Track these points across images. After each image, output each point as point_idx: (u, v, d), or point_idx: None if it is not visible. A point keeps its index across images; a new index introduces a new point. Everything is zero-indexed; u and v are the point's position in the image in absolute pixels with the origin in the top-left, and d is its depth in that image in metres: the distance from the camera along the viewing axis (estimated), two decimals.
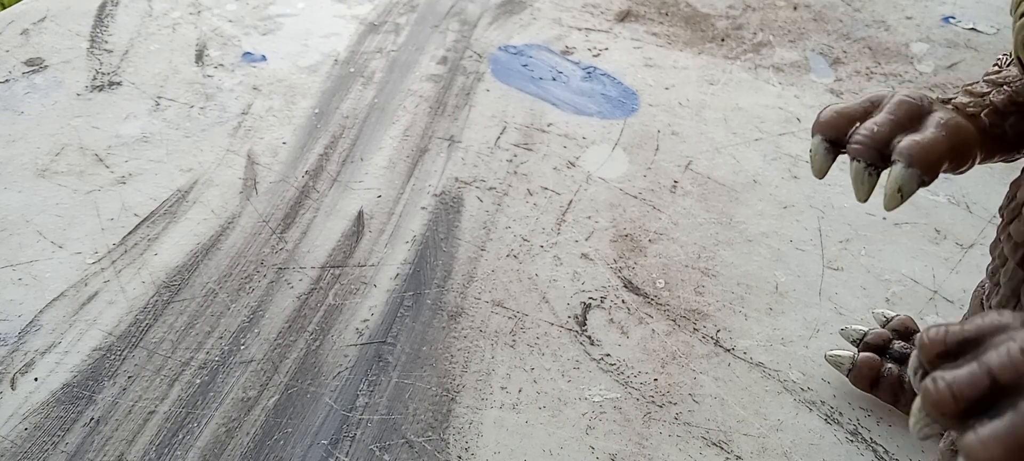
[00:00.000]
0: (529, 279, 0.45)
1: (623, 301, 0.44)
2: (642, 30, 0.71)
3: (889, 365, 0.37)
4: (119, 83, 0.60)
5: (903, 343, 0.38)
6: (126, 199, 0.49)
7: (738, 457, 0.36)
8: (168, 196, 0.50)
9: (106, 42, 0.65)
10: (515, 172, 0.53)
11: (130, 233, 0.47)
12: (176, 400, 0.38)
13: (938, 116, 0.21)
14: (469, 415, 0.37)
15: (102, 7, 0.69)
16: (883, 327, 0.39)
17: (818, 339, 0.42)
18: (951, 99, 0.23)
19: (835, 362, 0.39)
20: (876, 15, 0.75)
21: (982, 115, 0.23)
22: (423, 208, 0.50)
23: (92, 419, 0.37)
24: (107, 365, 0.39)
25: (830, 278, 0.46)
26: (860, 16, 0.74)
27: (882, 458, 0.36)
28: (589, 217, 0.50)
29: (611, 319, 0.43)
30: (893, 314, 0.40)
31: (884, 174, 0.22)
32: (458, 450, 0.36)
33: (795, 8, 0.76)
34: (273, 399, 0.38)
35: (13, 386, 0.38)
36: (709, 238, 0.48)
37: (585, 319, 0.43)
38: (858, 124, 0.21)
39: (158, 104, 0.58)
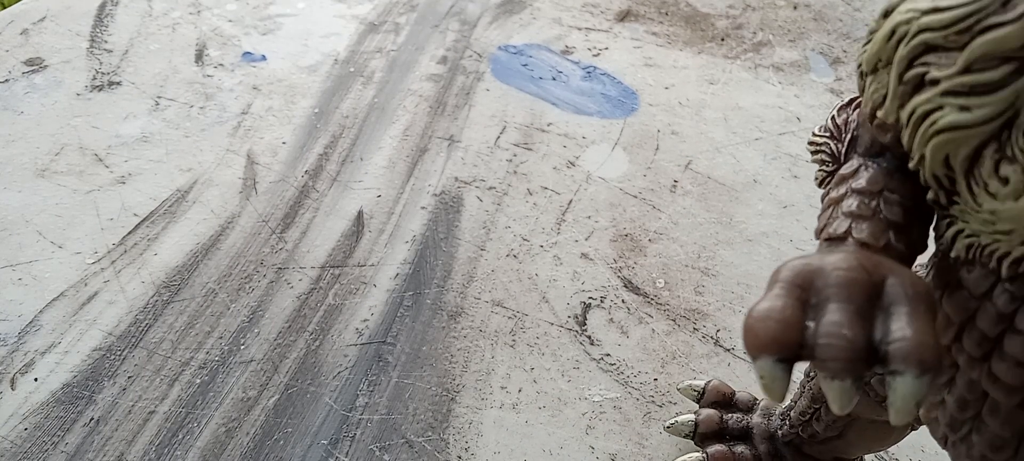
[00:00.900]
0: (529, 279, 0.45)
1: (623, 301, 0.44)
2: (642, 30, 0.71)
3: (739, 449, 0.34)
4: (119, 83, 0.60)
5: (734, 415, 0.36)
6: (126, 199, 0.49)
7: None
8: (168, 196, 0.50)
9: (106, 42, 0.64)
10: (515, 172, 0.53)
11: (130, 233, 0.47)
12: (176, 400, 0.38)
13: (894, 284, 0.17)
14: (469, 415, 0.37)
15: (102, 7, 0.69)
16: (699, 401, 0.37)
17: None
18: (849, 233, 0.20)
19: None
20: (876, 14, 0.75)
21: (894, 241, 0.19)
22: (423, 208, 0.50)
23: (92, 419, 0.37)
24: (107, 365, 0.39)
25: None
26: (860, 15, 0.74)
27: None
28: (589, 217, 0.50)
29: (611, 319, 0.43)
30: (700, 384, 0.37)
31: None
32: (458, 450, 0.36)
33: (795, 8, 0.76)
34: (273, 399, 0.38)
35: (13, 386, 0.38)
36: (709, 238, 0.48)
37: (585, 319, 0.43)
38: (809, 327, 0.17)
39: (158, 104, 0.58)
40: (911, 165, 0.18)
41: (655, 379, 0.40)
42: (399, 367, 0.40)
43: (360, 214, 0.49)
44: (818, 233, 0.21)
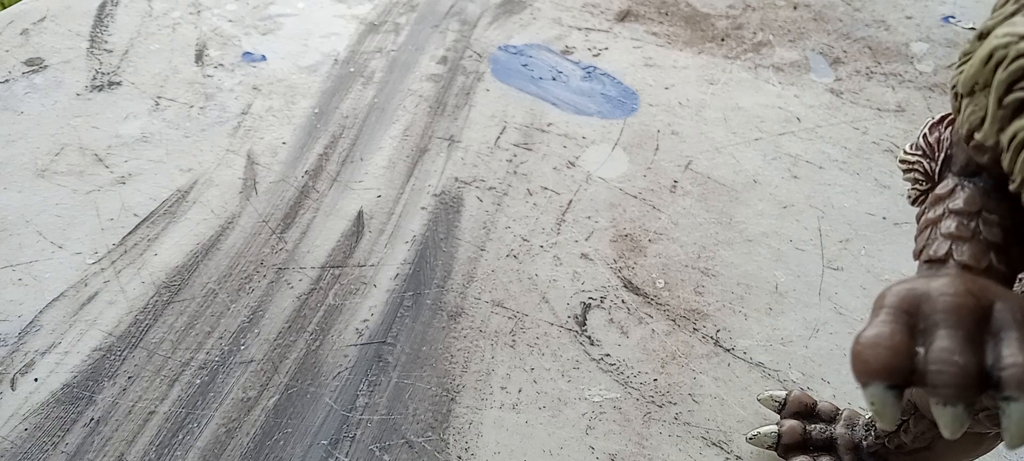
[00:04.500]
0: (529, 279, 0.45)
1: (623, 301, 0.44)
2: (642, 30, 0.71)
3: (824, 460, 0.34)
4: (119, 83, 0.60)
5: (817, 426, 0.35)
6: (126, 199, 0.49)
7: (738, 457, 0.36)
8: (168, 196, 0.50)
9: (106, 42, 0.64)
10: (515, 172, 0.53)
11: (130, 233, 0.47)
12: (176, 400, 0.38)
13: (1002, 309, 0.17)
14: (469, 415, 0.37)
15: (102, 7, 0.69)
16: (780, 412, 0.37)
17: (818, 339, 0.42)
18: (950, 256, 0.20)
19: None
20: (876, 14, 0.75)
21: (996, 262, 0.19)
22: (423, 208, 0.50)
23: (92, 419, 0.37)
24: (107, 365, 0.39)
25: (830, 278, 0.46)
26: (860, 15, 0.74)
27: None
28: (589, 217, 0.50)
29: (611, 319, 0.43)
30: (781, 394, 0.37)
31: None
32: (458, 450, 0.36)
33: (795, 8, 0.76)
34: (273, 399, 0.38)
35: (13, 386, 0.38)
36: (709, 238, 0.48)
37: (585, 319, 0.43)
38: (918, 353, 0.17)
39: (158, 104, 0.58)
40: (1012, 188, 0.18)
41: (655, 379, 0.40)
42: (399, 367, 0.40)
43: (360, 214, 0.49)
44: (917, 255, 0.21)
